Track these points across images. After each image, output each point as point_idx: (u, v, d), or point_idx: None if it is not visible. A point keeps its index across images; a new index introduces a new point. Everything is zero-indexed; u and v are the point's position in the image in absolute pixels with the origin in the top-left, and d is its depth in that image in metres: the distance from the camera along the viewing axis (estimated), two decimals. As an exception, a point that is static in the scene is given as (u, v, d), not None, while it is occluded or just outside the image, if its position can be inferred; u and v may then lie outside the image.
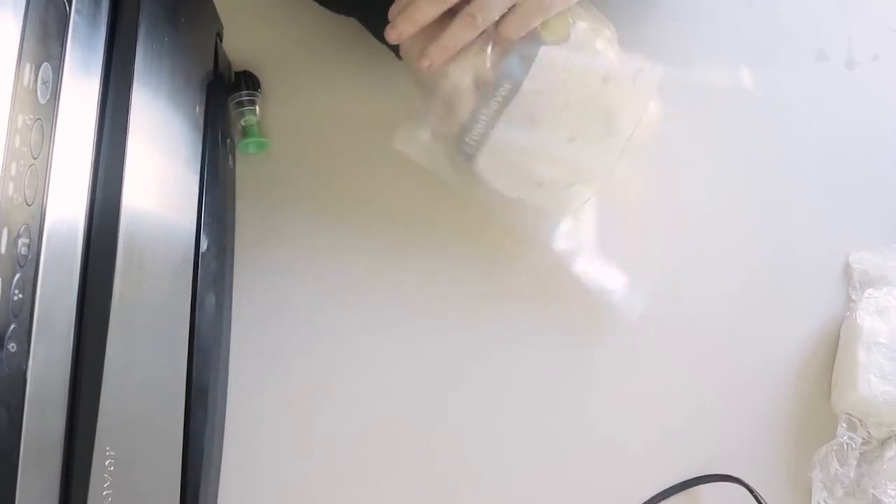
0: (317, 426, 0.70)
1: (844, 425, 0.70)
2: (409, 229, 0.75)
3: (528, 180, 0.68)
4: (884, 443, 0.70)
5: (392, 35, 0.62)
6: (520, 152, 0.67)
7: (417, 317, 0.73)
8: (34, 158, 0.40)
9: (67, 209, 0.43)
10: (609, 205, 0.72)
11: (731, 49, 0.82)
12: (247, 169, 0.76)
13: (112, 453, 0.45)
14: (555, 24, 0.64)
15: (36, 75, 0.40)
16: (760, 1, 0.84)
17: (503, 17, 0.61)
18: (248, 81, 0.77)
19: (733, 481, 0.69)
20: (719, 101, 0.79)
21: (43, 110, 0.41)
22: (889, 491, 0.68)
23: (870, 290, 0.74)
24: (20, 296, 0.38)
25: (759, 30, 0.83)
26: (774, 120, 0.80)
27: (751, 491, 0.68)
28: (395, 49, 0.67)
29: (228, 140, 0.73)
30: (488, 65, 0.64)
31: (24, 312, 0.38)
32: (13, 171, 0.37)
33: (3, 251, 0.36)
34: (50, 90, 0.41)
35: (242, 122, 0.76)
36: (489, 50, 0.64)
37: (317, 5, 0.76)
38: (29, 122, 0.39)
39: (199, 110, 0.66)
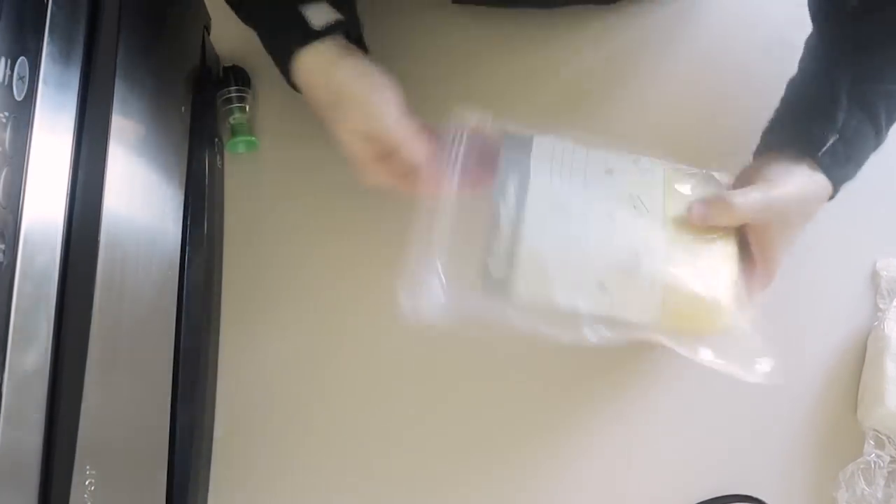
0: (307, 439, 0.70)
1: (872, 442, 0.70)
2: (405, 229, 0.74)
3: (585, 282, 0.61)
4: (914, 461, 0.70)
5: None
6: (561, 251, 0.61)
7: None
8: (9, 159, 0.40)
9: (45, 212, 0.43)
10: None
11: (753, 42, 0.82)
12: (236, 169, 0.76)
13: (92, 472, 0.45)
14: None
15: (12, 70, 0.40)
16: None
17: None
18: (237, 77, 0.77)
19: (754, 502, 0.69)
20: (743, 104, 0.80)
21: (19, 107, 0.41)
22: (919, 512, 0.68)
23: (898, 299, 0.74)
24: (-5, 305, 0.38)
25: (788, 25, 0.83)
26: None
27: (772, 512, 0.68)
28: None
29: (216, 139, 0.73)
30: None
31: (0, 322, 0.38)
32: (-13, 173, 0.37)
33: (-24, 257, 0.36)
34: (26, 86, 0.41)
35: (231, 120, 0.77)
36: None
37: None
38: (3, 120, 0.39)
39: (185, 107, 0.66)
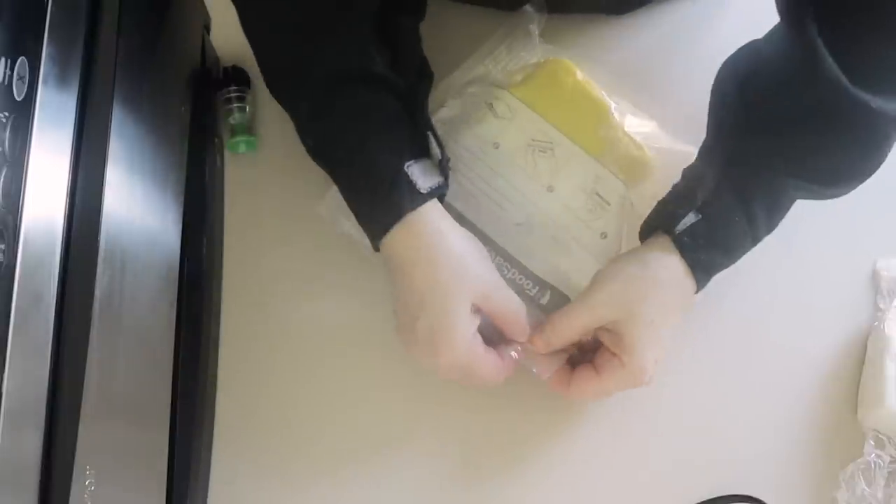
0: (308, 439, 0.70)
1: (872, 442, 0.70)
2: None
3: (592, 242, 0.73)
4: (914, 461, 0.70)
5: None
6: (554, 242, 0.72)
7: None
8: (9, 158, 0.40)
9: (45, 212, 0.43)
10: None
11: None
12: (236, 169, 0.76)
13: (92, 472, 0.45)
14: None
15: (11, 70, 0.40)
16: None
17: None
18: (237, 77, 0.77)
19: (754, 502, 0.69)
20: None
21: (19, 107, 0.41)
22: (919, 512, 0.68)
23: (899, 299, 0.74)
24: (-6, 306, 0.38)
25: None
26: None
27: (772, 512, 0.68)
28: None
29: (216, 139, 0.73)
30: None
31: (0, 322, 0.38)
32: (-13, 173, 0.37)
33: (-24, 258, 0.36)
34: (26, 86, 0.41)
35: (231, 120, 0.77)
36: None
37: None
38: (3, 120, 0.39)
39: (185, 107, 0.66)
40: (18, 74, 0.41)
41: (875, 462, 0.69)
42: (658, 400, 0.72)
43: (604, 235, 0.72)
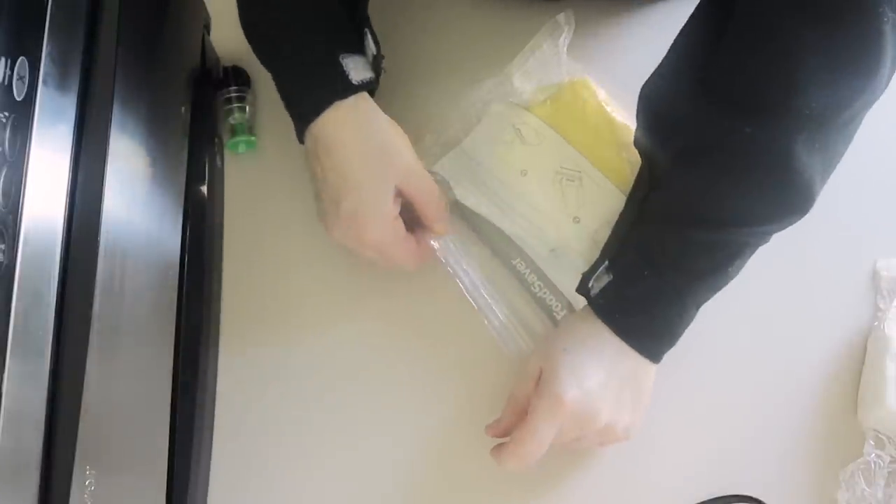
0: (308, 439, 0.70)
1: (872, 442, 0.70)
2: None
3: None
4: (914, 461, 0.70)
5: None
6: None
7: (419, 317, 0.73)
8: (9, 158, 0.40)
9: (45, 212, 0.43)
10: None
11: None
12: (236, 169, 0.76)
13: (92, 472, 0.45)
14: None
15: (11, 70, 0.40)
16: None
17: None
18: (237, 77, 0.77)
19: (754, 502, 0.69)
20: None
21: (19, 107, 0.41)
22: (919, 512, 0.68)
23: (899, 299, 0.74)
24: (-6, 306, 0.38)
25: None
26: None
27: (772, 512, 0.68)
28: None
29: (216, 139, 0.73)
30: None
31: (0, 322, 0.38)
32: (-13, 173, 0.37)
33: (-24, 258, 0.36)
34: (26, 86, 0.41)
35: (231, 120, 0.77)
36: None
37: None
38: (3, 120, 0.39)
39: (185, 107, 0.66)
40: (18, 74, 0.41)
41: (875, 462, 0.69)
42: (658, 400, 0.72)
43: None
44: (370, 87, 0.69)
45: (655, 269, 0.63)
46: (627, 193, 0.70)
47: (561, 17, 0.75)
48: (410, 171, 0.67)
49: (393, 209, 0.66)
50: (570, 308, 0.71)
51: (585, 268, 0.68)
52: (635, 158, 0.70)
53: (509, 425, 0.66)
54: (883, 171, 0.79)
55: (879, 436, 0.70)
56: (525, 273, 0.72)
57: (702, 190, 0.62)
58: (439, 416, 0.71)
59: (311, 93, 0.67)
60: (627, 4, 0.84)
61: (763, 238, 0.65)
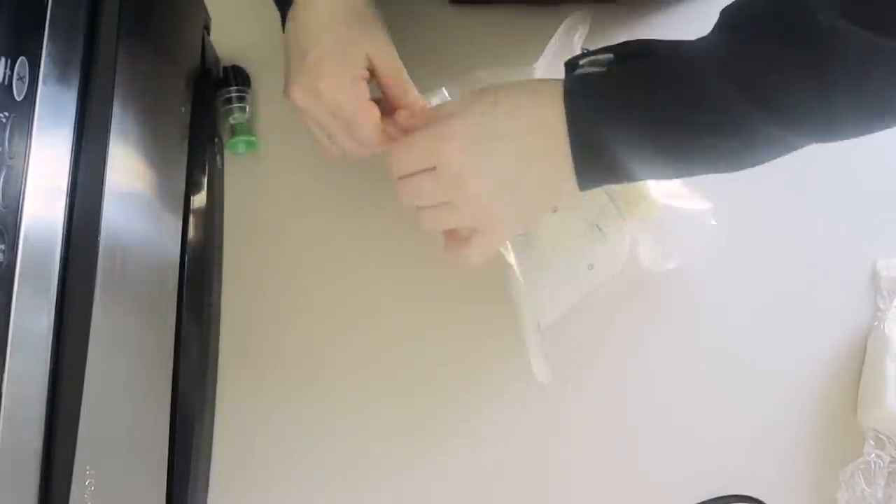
0: (308, 439, 0.70)
1: (872, 442, 0.70)
2: (405, 231, 0.75)
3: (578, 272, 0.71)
4: (914, 461, 0.70)
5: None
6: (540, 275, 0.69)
7: (417, 318, 0.73)
8: (10, 159, 0.40)
9: (45, 212, 0.43)
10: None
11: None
12: (236, 169, 0.76)
13: (92, 472, 0.45)
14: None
15: (11, 70, 0.40)
16: None
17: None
18: (237, 77, 0.77)
19: (754, 502, 0.69)
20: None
21: (19, 107, 0.41)
22: (919, 512, 0.68)
23: (899, 299, 0.74)
24: (-6, 305, 0.38)
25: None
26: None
27: (772, 512, 0.68)
28: None
29: (216, 139, 0.73)
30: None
31: (0, 322, 0.38)
32: (-13, 173, 0.37)
33: (-24, 258, 0.36)
34: (26, 86, 0.41)
35: (231, 120, 0.77)
36: None
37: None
38: (3, 120, 0.39)
39: (185, 107, 0.66)
40: (18, 74, 0.41)
41: (875, 462, 0.69)
42: (658, 400, 0.72)
43: (590, 266, 0.71)
44: None
45: (653, 92, 0.55)
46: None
47: (576, 15, 0.73)
48: (382, 44, 0.64)
49: (359, 66, 0.63)
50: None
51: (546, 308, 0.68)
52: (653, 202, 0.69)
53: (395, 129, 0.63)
54: (883, 171, 0.79)
55: (879, 436, 0.70)
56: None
57: (761, 61, 0.53)
58: (440, 416, 0.71)
59: None
60: (635, 10, 0.84)
61: (780, 148, 0.58)
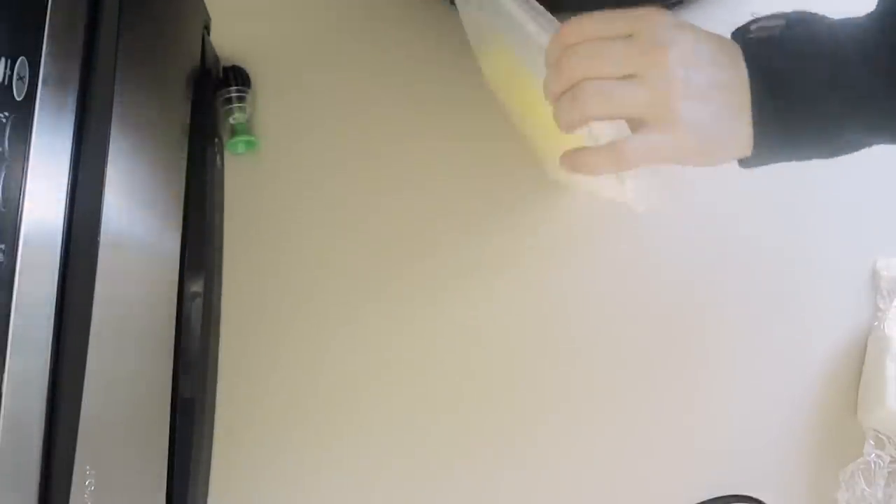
0: (308, 439, 0.70)
1: (872, 442, 0.70)
2: (406, 231, 0.75)
3: None
4: (914, 461, 0.70)
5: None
6: None
7: (418, 318, 0.73)
8: (9, 159, 0.40)
9: (45, 212, 0.43)
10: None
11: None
12: (236, 169, 0.76)
13: (93, 472, 0.45)
14: None
15: (11, 70, 0.40)
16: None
17: None
18: (237, 77, 0.77)
19: (753, 502, 0.69)
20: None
21: (19, 107, 0.41)
22: (919, 512, 0.68)
23: (899, 299, 0.74)
24: (-6, 305, 0.38)
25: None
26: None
27: (772, 512, 0.68)
28: None
29: (216, 139, 0.73)
30: None
31: (-1, 323, 0.38)
32: (-13, 173, 0.37)
33: (-24, 258, 0.36)
34: (26, 86, 0.41)
35: (231, 120, 0.76)
36: None
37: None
38: (3, 120, 0.39)
39: (185, 107, 0.66)
40: (18, 74, 0.41)
41: (875, 462, 0.69)
42: (658, 400, 0.72)
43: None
44: None
45: (835, 48, 0.52)
46: None
47: None
48: None
49: None
50: None
51: None
52: None
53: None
54: (883, 171, 0.79)
55: (879, 436, 0.70)
56: None
57: None
58: (441, 416, 0.71)
59: None
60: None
61: None
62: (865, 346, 0.74)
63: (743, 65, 0.53)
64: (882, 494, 0.69)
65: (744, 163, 0.57)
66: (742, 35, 0.55)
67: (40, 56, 0.43)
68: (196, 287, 0.63)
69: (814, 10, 0.55)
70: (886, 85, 0.52)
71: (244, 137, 0.76)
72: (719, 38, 0.55)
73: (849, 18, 0.55)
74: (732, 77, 0.54)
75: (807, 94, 0.53)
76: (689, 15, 0.82)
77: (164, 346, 0.58)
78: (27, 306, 0.40)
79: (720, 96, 0.53)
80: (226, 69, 0.78)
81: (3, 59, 0.39)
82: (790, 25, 0.54)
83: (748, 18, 0.56)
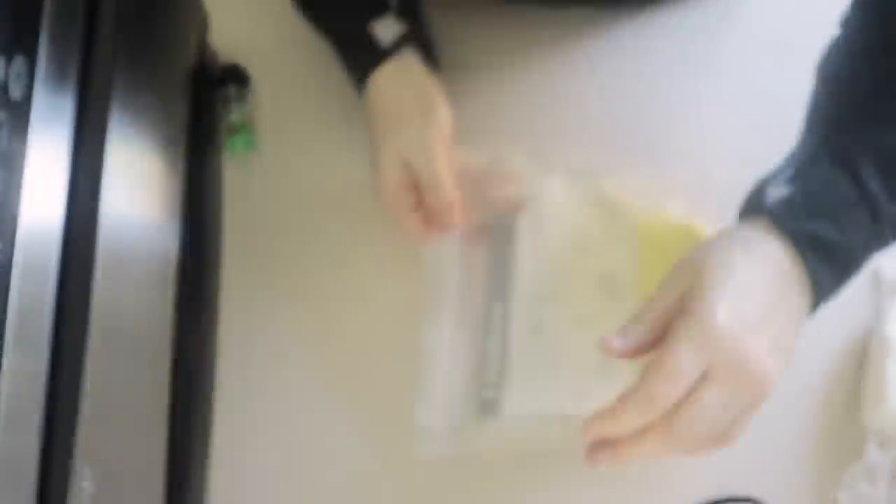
0: (308, 440, 0.70)
1: (873, 443, 0.70)
2: (406, 231, 0.75)
3: (567, 393, 0.67)
4: (916, 462, 0.70)
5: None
6: (543, 371, 0.67)
7: (419, 318, 0.73)
8: (7, 158, 0.40)
9: (43, 212, 0.43)
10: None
11: (761, 30, 0.82)
12: (235, 169, 0.76)
13: (92, 472, 0.45)
14: None
15: (8, 69, 0.40)
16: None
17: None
18: (236, 76, 0.77)
19: (753, 503, 0.69)
20: (740, 102, 0.80)
21: (16, 107, 0.41)
22: (921, 513, 0.68)
23: (900, 299, 0.73)
24: (-8, 305, 0.38)
25: (781, 19, 0.83)
26: (798, 116, 0.80)
27: (773, 513, 0.68)
28: None
29: (216, 138, 0.73)
30: None
31: (-3, 323, 0.38)
32: (-16, 173, 0.37)
33: (-27, 258, 0.36)
34: (23, 86, 0.41)
35: (230, 120, 0.76)
36: None
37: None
38: (1, 120, 0.39)
39: (184, 107, 0.66)
40: (16, 73, 0.41)
41: (877, 463, 0.69)
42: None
43: (580, 395, 0.66)
44: (405, 41, 0.70)
45: (853, 175, 0.54)
46: None
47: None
48: (419, 147, 0.68)
49: (396, 177, 0.68)
50: (501, 380, 0.68)
51: (547, 369, 0.67)
52: None
53: (641, 342, 0.53)
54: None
55: (881, 436, 0.70)
56: (495, 322, 0.70)
57: None
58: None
59: (350, 71, 0.72)
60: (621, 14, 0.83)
61: None
62: (866, 346, 0.74)
63: (775, 233, 0.54)
64: (884, 495, 0.69)
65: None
66: (758, 203, 0.57)
67: (38, 55, 0.43)
68: (195, 286, 0.63)
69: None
70: None
71: (243, 137, 0.76)
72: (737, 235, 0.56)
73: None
74: (773, 253, 0.54)
75: (832, 217, 0.55)
76: (664, 17, 0.83)
77: (162, 346, 0.58)
78: (25, 306, 0.40)
79: (783, 313, 0.54)
80: (225, 68, 0.77)
81: (0, 58, 0.39)
82: (799, 173, 0.57)
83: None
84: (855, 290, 0.75)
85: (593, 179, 0.72)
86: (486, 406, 0.68)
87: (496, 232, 0.72)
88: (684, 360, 0.50)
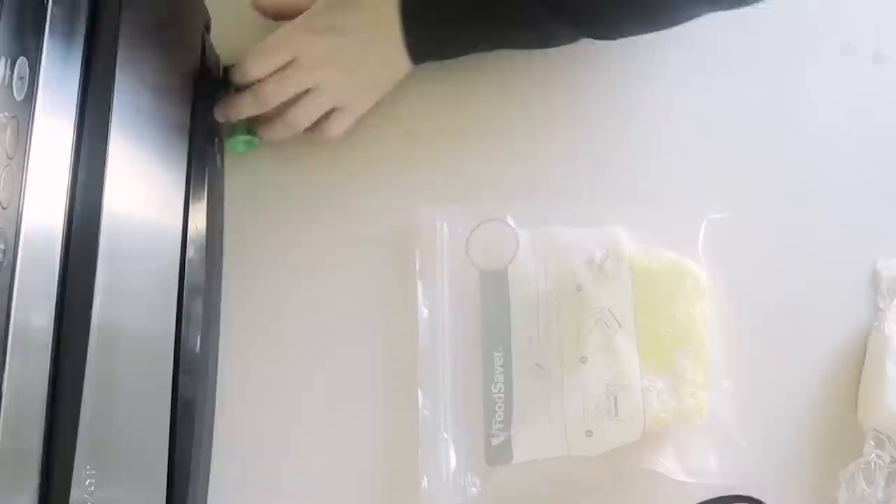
0: (308, 440, 0.70)
1: (872, 442, 0.70)
2: (407, 231, 0.75)
3: (572, 435, 0.68)
4: (914, 461, 0.70)
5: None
6: (545, 416, 0.69)
7: (420, 321, 0.73)
8: (9, 159, 0.40)
9: (45, 213, 0.43)
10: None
11: (754, 42, 0.82)
12: (236, 169, 0.76)
13: (93, 472, 0.45)
14: None
15: (11, 70, 0.40)
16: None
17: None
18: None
19: (752, 503, 0.69)
20: (741, 102, 0.80)
21: (19, 107, 0.41)
22: (919, 512, 0.68)
23: (899, 299, 0.74)
24: (-5, 305, 0.38)
25: (783, 22, 0.83)
26: (798, 118, 0.80)
27: (771, 513, 0.68)
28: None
29: (216, 138, 0.73)
30: None
31: (0, 323, 0.38)
32: (-13, 173, 0.37)
33: (-24, 258, 0.36)
34: (26, 86, 0.41)
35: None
36: None
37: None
38: (4, 120, 0.39)
39: (185, 107, 0.66)
40: (18, 74, 0.41)
41: (875, 462, 0.69)
42: (658, 400, 0.72)
43: (589, 433, 0.68)
44: None
45: None
46: (645, 367, 0.69)
47: None
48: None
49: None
50: (508, 426, 0.69)
51: (546, 415, 0.68)
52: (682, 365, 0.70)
53: None
54: (883, 170, 0.79)
55: (880, 436, 0.70)
56: (496, 368, 0.70)
57: None
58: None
59: None
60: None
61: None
62: (865, 346, 0.74)
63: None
64: (882, 494, 0.69)
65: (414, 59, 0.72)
66: None
67: (40, 56, 0.43)
68: (196, 287, 0.63)
69: None
70: None
71: (244, 137, 0.76)
72: None
73: None
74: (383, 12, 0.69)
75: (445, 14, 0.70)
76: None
77: (164, 346, 0.58)
78: (27, 306, 0.40)
79: (375, 59, 0.71)
80: (226, 69, 0.77)
81: (3, 59, 0.39)
82: None
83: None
84: (855, 290, 0.76)
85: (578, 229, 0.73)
86: (495, 454, 0.69)
87: (485, 282, 0.72)
88: (279, 38, 0.70)
